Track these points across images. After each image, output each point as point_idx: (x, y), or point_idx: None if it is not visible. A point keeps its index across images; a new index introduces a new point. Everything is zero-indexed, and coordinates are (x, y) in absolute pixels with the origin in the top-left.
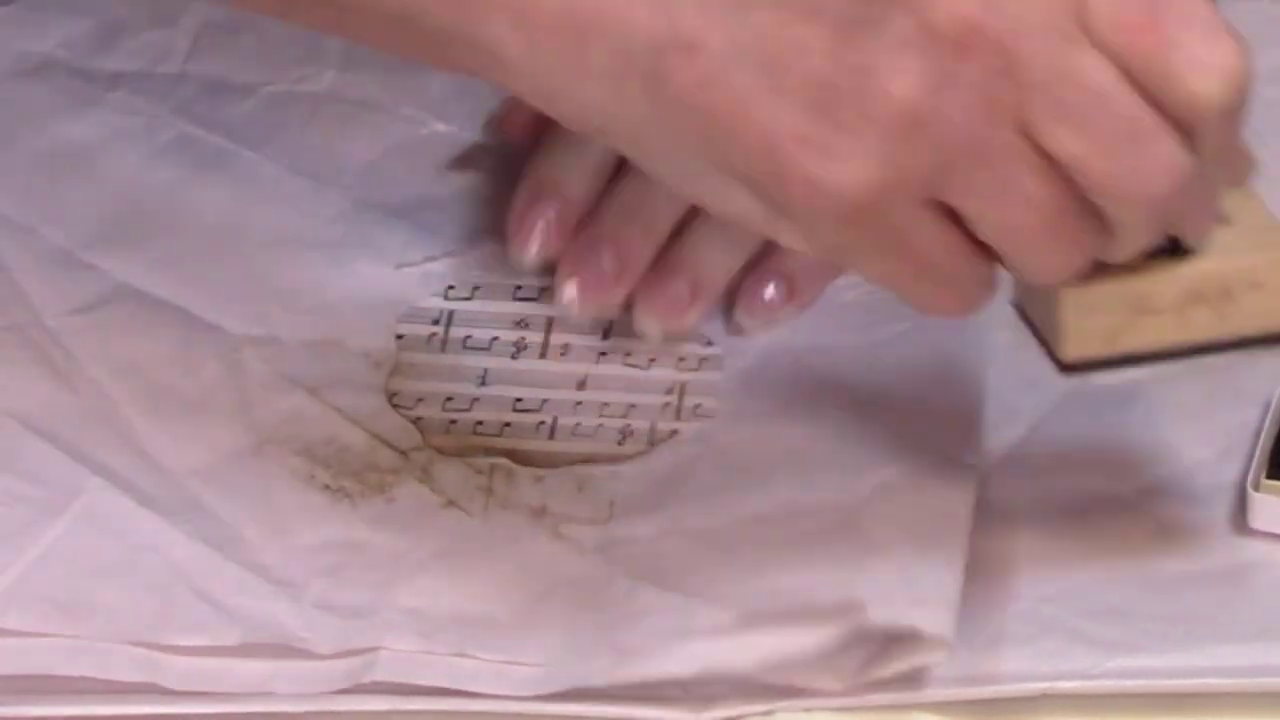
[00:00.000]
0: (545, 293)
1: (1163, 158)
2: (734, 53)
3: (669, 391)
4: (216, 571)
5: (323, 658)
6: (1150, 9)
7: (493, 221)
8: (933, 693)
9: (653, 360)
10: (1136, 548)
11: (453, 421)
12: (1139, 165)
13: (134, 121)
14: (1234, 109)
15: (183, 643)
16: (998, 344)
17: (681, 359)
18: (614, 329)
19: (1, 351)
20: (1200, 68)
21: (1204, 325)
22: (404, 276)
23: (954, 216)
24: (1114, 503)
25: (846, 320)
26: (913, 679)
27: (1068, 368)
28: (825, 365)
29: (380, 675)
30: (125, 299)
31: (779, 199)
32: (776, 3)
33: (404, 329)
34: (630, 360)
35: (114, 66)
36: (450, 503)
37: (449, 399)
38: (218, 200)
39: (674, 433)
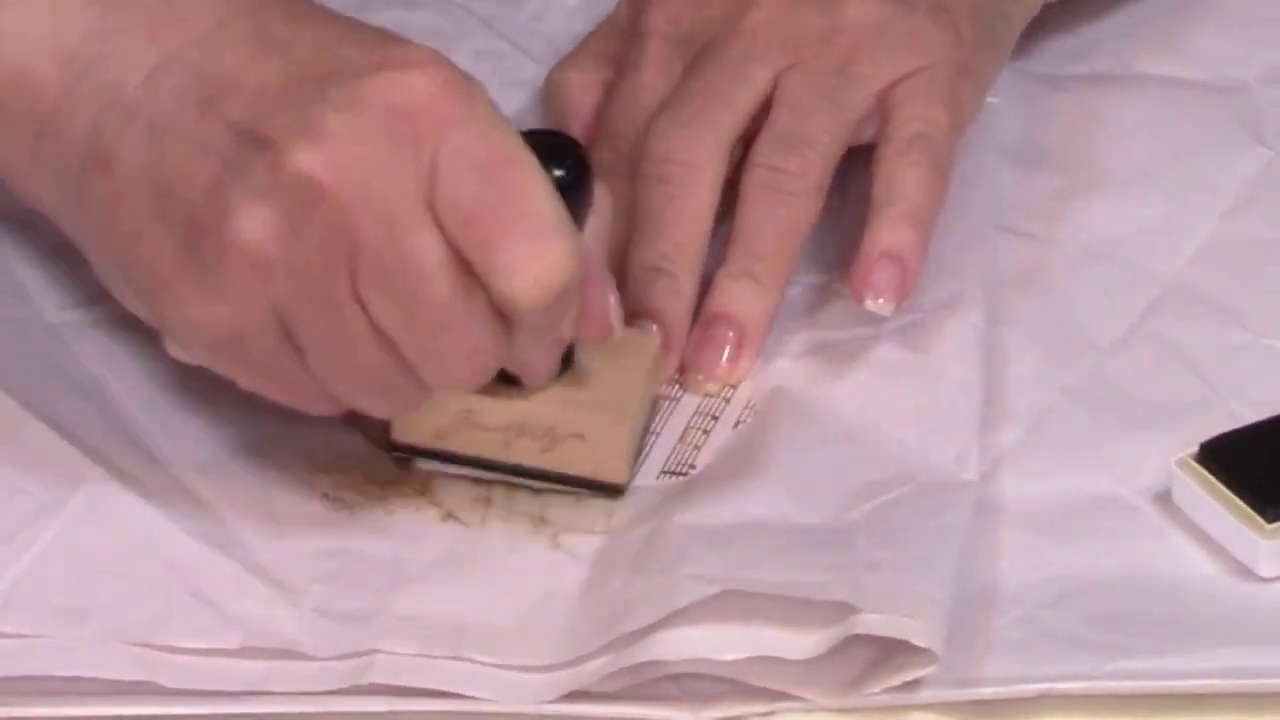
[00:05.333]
0: None
1: (466, 346)
2: (138, 175)
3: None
4: (216, 572)
5: (320, 659)
6: (486, 199)
7: None
8: (933, 694)
9: None
10: (1136, 550)
11: None
12: (442, 349)
13: None
14: (549, 309)
15: (181, 644)
16: (1001, 340)
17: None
18: None
19: (1, 347)
20: (516, 271)
21: (527, 453)
22: None
23: None
24: (1114, 503)
25: (840, 343)
26: (911, 681)
27: (394, 446)
28: (820, 392)
29: (378, 678)
30: None
31: (158, 321)
32: (182, 134)
33: None
34: None
35: None
36: (449, 515)
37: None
38: None
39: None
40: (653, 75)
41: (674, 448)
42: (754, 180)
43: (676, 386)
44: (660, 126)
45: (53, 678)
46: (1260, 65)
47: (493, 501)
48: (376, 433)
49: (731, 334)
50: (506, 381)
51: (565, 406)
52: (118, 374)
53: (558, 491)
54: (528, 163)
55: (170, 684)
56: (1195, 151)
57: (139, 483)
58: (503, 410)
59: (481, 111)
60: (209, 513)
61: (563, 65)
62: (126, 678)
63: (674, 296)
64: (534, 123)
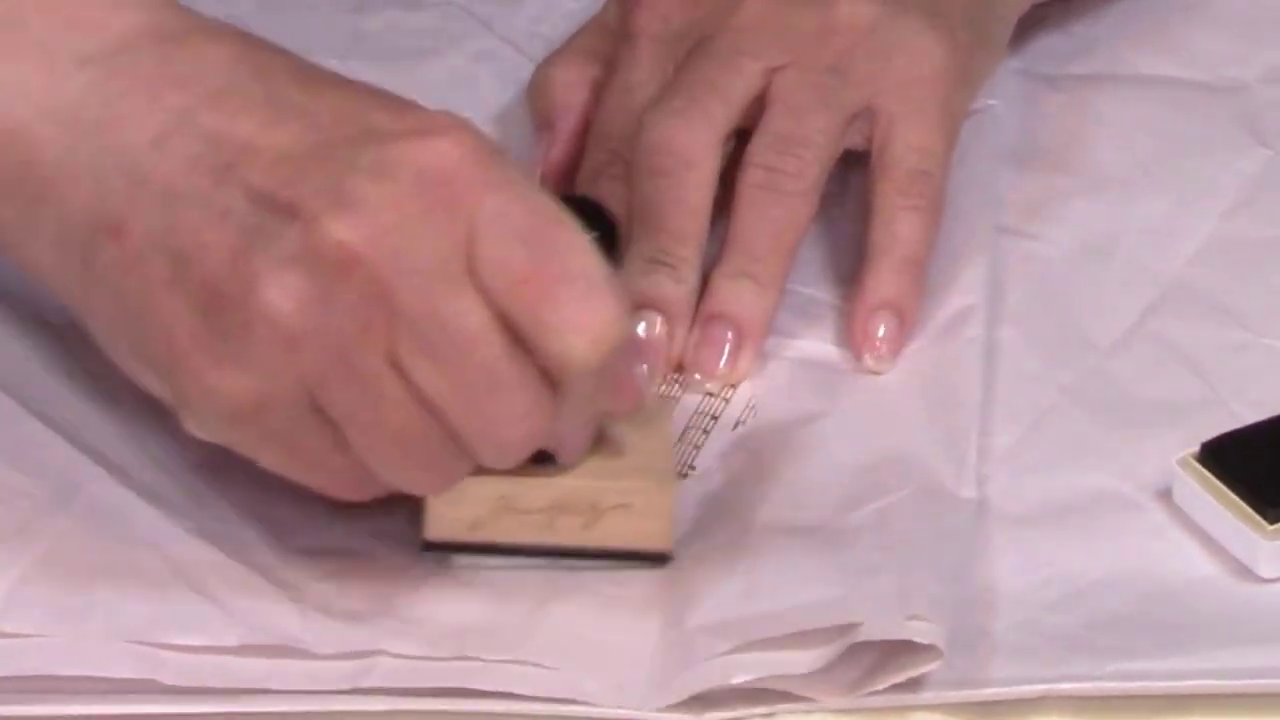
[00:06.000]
0: None
1: (517, 408)
2: (152, 242)
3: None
4: (218, 570)
5: (322, 658)
6: (533, 261)
7: None
8: (934, 696)
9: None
10: (1136, 550)
11: None
12: (493, 413)
13: None
14: (601, 368)
15: (182, 641)
16: (1001, 340)
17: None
18: None
19: (3, 346)
20: (570, 330)
21: (570, 532)
22: None
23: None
24: (1114, 503)
25: (840, 345)
26: (912, 682)
27: (428, 545)
28: (820, 395)
29: (379, 681)
30: None
31: (172, 391)
32: (198, 200)
33: None
34: None
35: None
36: None
37: None
38: None
39: (698, 449)
40: (644, 74)
41: (674, 448)
42: (749, 180)
43: (677, 386)
44: (653, 118)
45: (54, 677)
46: (1260, 65)
47: None
48: (407, 534)
49: (730, 334)
50: (538, 462)
51: (607, 477)
52: (118, 373)
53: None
54: (568, 224)
55: (171, 682)
56: (1195, 151)
57: (140, 483)
58: (543, 490)
59: (514, 175)
60: (210, 512)
61: (549, 62)
62: (127, 675)
63: (676, 286)
64: (527, 122)
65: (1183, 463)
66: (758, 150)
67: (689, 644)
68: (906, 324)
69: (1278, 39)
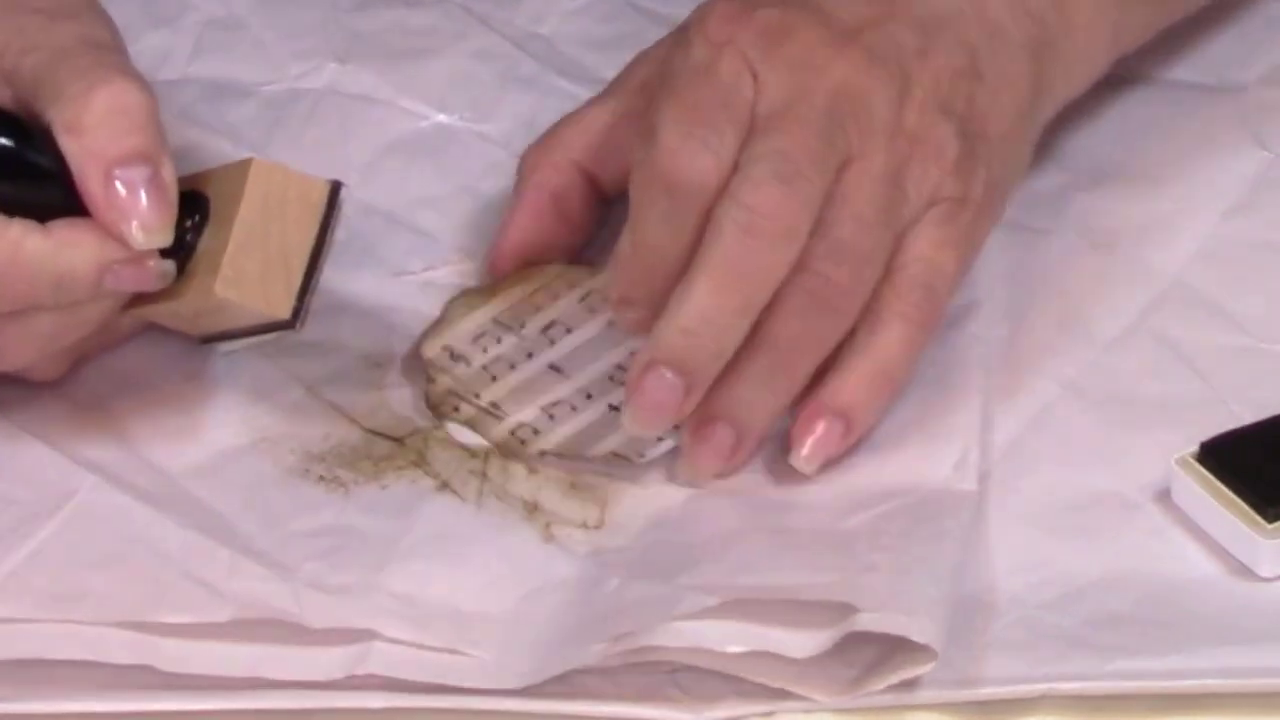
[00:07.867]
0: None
1: None
2: None
3: None
4: (208, 556)
5: (315, 643)
6: None
7: (491, 226)
8: (933, 695)
9: None
10: (1136, 549)
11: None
12: None
13: None
14: None
15: (173, 620)
16: (993, 339)
17: None
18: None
19: None
20: None
21: (212, 324)
22: (404, 285)
23: None
24: (1114, 502)
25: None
26: (911, 681)
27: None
28: None
29: (374, 668)
30: None
31: None
32: None
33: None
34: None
35: None
36: (444, 485)
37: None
38: None
39: (660, 439)
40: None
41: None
42: (804, 285)
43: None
44: (760, 175)
45: (48, 664)
46: (1260, 66)
47: (488, 476)
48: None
49: (731, 440)
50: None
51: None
52: (113, 380)
53: (555, 477)
54: None
55: (164, 667)
56: (1195, 152)
57: (136, 487)
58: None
59: None
60: (203, 509)
61: (547, 138)
62: (120, 661)
63: (714, 361)
64: (527, 121)
65: (1182, 462)
66: (818, 254)
67: (677, 598)
68: (852, 435)
69: (1278, 39)
